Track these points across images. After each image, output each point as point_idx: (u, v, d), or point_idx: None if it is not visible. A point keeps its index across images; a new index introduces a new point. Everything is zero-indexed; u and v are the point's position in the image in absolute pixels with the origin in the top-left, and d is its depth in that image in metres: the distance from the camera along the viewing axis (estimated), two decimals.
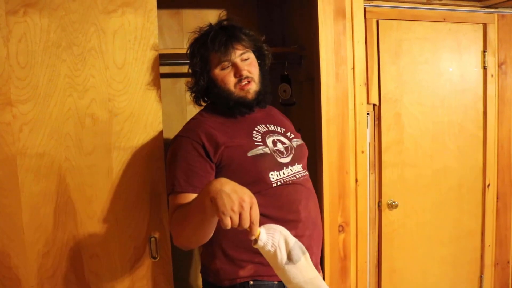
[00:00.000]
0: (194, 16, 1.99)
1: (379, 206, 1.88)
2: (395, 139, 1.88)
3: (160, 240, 1.36)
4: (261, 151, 1.19)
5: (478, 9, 1.96)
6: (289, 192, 1.18)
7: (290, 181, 1.20)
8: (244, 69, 1.21)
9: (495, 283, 2.12)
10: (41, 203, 1.26)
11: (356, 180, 1.65)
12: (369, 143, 1.82)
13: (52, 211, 1.27)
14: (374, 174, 1.87)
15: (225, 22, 1.26)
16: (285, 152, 1.25)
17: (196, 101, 1.32)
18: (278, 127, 1.32)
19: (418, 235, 1.96)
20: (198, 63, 1.23)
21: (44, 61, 1.22)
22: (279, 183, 1.18)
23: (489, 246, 2.08)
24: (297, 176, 1.23)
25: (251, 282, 1.13)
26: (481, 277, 2.10)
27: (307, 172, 1.30)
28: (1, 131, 1.21)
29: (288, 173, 1.21)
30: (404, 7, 1.85)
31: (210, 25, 1.26)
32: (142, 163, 1.33)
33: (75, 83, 1.25)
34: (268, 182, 1.16)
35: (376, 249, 1.91)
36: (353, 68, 1.62)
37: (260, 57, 1.30)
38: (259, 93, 1.25)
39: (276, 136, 1.28)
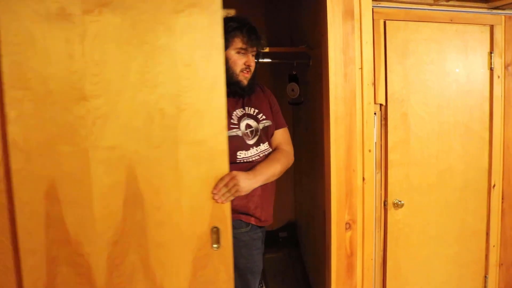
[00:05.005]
0: None
1: (385, 205, 1.90)
2: (401, 139, 1.89)
3: (222, 230, 1.39)
4: (234, 133, 1.54)
5: (485, 10, 1.97)
6: (246, 167, 1.53)
7: (251, 160, 1.56)
8: (252, 62, 1.56)
9: (499, 283, 2.13)
10: (111, 194, 1.30)
11: (363, 179, 1.67)
12: (375, 142, 1.83)
13: (121, 202, 1.31)
14: (380, 173, 1.89)
15: (253, 24, 1.60)
16: (251, 135, 1.58)
17: None
18: (251, 109, 1.63)
19: (423, 234, 1.97)
20: (226, 38, 1.49)
21: (116, 58, 1.26)
22: (242, 160, 1.55)
23: (494, 246, 2.09)
24: (260, 155, 1.59)
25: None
26: (485, 277, 2.11)
27: (270, 149, 1.65)
28: (75, 125, 1.25)
29: (254, 153, 1.58)
30: (411, 8, 1.87)
31: (245, 19, 1.58)
32: (206, 157, 1.36)
33: (145, 79, 1.28)
34: (234, 159, 1.52)
35: (382, 247, 1.93)
36: (361, 68, 1.64)
37: (257, 57, 1.64)
38: (251, 81, 1.59)
39: (248, 119, 1.61)
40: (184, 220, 1.36)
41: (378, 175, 1.88)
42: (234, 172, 1.40)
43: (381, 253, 1.93)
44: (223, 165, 1.37)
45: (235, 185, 1.38)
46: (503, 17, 1.98)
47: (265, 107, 1.67)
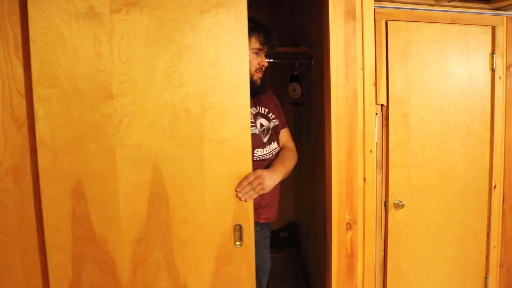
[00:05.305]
0: None
1: (385, 205, 1.90)
2: (402, 140, 1.89)
3: (245, 228, 1.40)
4: (252, 131, 1.50)
5: (487, 11, 1.97)
6: (261, 165, 1.54)
7: (266, 158, 1.58)
8: (265, 62, 1.57)
9: (500, 284, 2.13)
10: (136, 192, 1.32)
11: (364, 179, 1.67)
12: (376, 143, 1.83)
13: (146, 200, 1.32)
14: (381, 173, 1.89)
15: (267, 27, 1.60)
16: (264, 133, 1.60)
17: None
18: (262, 108, 1.65)
19: (423, 235, 1.97)
20: None
21: (143, 57, 1.27)
22: (258, 158, 1.55)
23: (494, 247, 2.09)
24: (273, 153, 1.61)
25: None
26: (486, 278, 2.11)
27: (279, 147, 1.68)
28: (102, 123, 1.27)
29: (267, 151, 1.59)
30: (413, 9, 1.86)
31: (261, 19, 1.57)
32: (230, 155, 1.37)
33: (171, 78, 1.30)
34: (252, 157, 1.49)
35: (382, 248, 1.93)
36: (363, 68, 1.63)
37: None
38: (262, 81, 1.60)
39: (261, 118, 1.62)
40: (208, 218, 1.37)
41: (379, 176, 1.88)
42: (259, 171, 1.41)
43: (382, 253, 1.93)
44: (247, 164, 1.38)
45: (260, 183, 1.39)
46: (504, 18, 1.98)
47: (273, 107, 1.70)
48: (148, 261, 1.35)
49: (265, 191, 1.43)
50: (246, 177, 1.37)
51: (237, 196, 1.37)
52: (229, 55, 1.33)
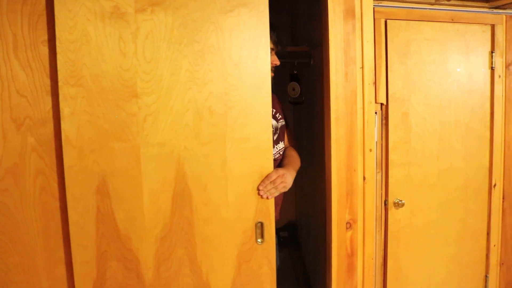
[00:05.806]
0: None
1: (385, 204, 1.89)
2: (402, 139, 1.89)
3: (266, 225, 1.41)
4: None
5: (487, 10, 1.96)
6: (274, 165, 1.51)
7: (276, 157, 1.58)
8: (277, 61, 1.55)
9: (500, 283, 2.13)
10: (160, 190, 1.33)
11: (364, 178, 1.67)
12: (376, 142, 1.83)
13: (170, 198, 1.34)
14: (381, 172, 1.88)
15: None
16: (273, 133, 1.58)
17: None
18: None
19: (424, 234, 1.97)
20: None
21: (167, 56, 1.28)
22: None
23: (494, 246, 2.09)
24: (280, 153, 1.63)
25: None
26: (486, 276, 2.11)
27: (284, 147, 1.70)
28: (127, 122, 1.28)
29: (275, 150, 1.59)
30: (412, 8, 1.86)
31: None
32: (252, 153, 1.38)
33: (195, 77, 1.31)
34: None
35: (382, 247, 1.93)
36: (362, 68, 1.63)
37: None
38: (272, 80, 1.51)
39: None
40: (230, 215, 1.38)
41: (379, 175, 1.88)
42: (281, 170, 1.43)
43: (382, 252, 1.93)
44: (268, 162, 1.40)
45: (282, 182, 1.41)
46: (504, 16, 1.98)
47: (278, 107, 1.71)
48: (171, 259, 1.36)
49: (286, 189, 1.45)
50: (268, 176, 1.39)
51: (259, 194, 1.39)
52: (251, 55, 1.34)
